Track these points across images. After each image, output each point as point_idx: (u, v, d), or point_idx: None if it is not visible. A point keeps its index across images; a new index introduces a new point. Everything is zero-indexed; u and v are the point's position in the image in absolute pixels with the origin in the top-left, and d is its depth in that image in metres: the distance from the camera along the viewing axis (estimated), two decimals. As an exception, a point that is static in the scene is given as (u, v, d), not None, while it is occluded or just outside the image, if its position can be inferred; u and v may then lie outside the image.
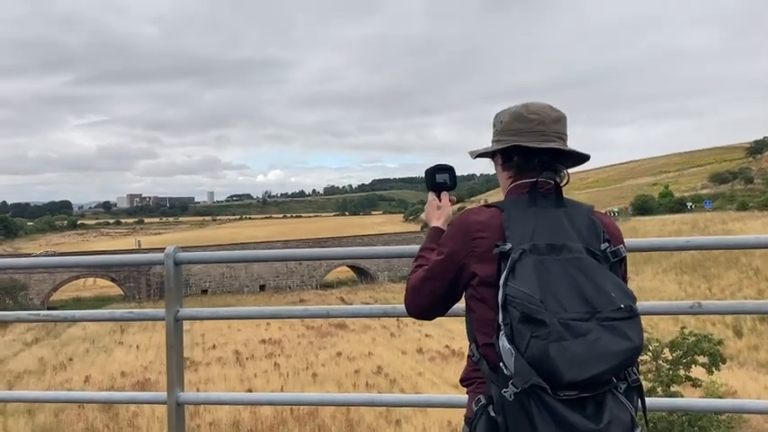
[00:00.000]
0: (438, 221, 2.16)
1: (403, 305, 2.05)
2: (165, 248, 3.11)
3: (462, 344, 32.28)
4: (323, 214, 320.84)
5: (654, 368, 18.22)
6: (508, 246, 1.71)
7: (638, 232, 57.72)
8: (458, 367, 26.74)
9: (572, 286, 1.63)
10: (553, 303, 1.59)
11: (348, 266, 67.10)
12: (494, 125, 2.00)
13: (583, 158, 1.93)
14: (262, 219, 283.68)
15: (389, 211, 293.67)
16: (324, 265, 63.27)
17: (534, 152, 1.88)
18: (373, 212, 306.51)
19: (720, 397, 17.56)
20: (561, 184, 1.90)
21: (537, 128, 1.87)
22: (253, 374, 27.97)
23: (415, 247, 2.58)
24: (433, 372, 27.55)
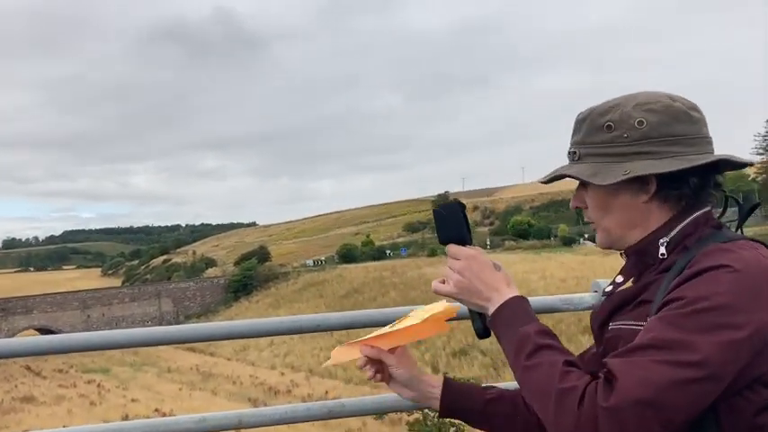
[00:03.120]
0: (511, 288, 1.28)
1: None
2: None
3: (174, 405, 29.93)
4: (2, 271, 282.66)
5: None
6: None
7: (344, 279, 60.76)
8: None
9: None
10: None
11: (35, 329, 58.90)
12: (613, 125, 1.22)
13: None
14: None
15: (85, 265, 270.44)
16: (4, 331, 55.47)
17: (712, 171, 1.22)
18: (65, 267, 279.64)
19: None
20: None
21: (702, 132, 1.22)
22: None
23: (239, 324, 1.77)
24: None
